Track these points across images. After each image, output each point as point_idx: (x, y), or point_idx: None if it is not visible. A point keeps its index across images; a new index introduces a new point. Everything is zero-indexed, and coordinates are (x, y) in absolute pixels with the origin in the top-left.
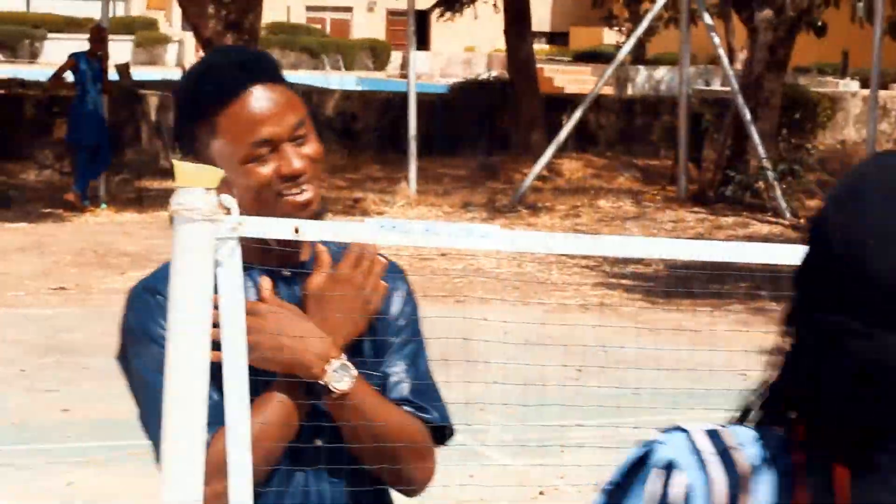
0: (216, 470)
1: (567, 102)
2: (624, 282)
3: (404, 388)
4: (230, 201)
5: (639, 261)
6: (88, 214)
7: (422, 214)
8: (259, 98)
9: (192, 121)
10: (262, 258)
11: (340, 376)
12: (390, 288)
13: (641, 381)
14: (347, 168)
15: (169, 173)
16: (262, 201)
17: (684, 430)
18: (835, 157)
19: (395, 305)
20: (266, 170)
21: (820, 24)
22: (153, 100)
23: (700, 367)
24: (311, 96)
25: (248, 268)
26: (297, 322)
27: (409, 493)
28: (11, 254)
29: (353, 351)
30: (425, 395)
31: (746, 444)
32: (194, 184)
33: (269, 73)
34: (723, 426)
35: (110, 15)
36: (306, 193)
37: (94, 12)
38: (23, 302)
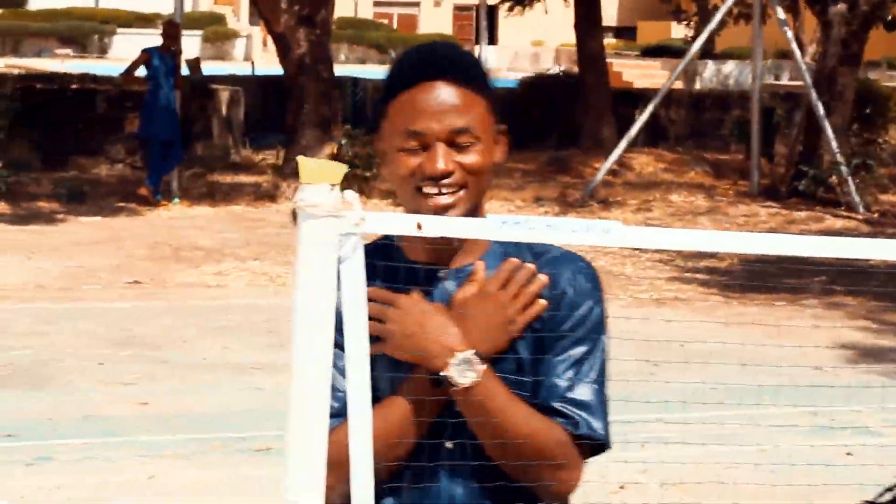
0: (330, 463)
1: (636, 97)
2: (698, 276)
3: (552, 394)
4: (353, 197)
5: (713, 255)
6: (161, 209)
7: (493, 209)
8: (429, 92)
9: (382, 102)
10: (424, 256)
11: (463, 371)
12: (572, 294)
13: (719, 377)
14: None
15: (239, 167)
16: (404, 192)
17: None
18: None
19: (570, 311)
20: (411, 162)
21: (890, 18)
22: (224, 94)
23: (776, 363)
24: (381, 91)
25: (405, 264)
26: (433, 317)
27: (546, 499)
28: (86, 248)
29: (501, 362)
30: (580, 404)
31: None
32: (318, 180)
33: (459, 73)
34: None
35: (180, 10)
36: (446, 198)
37: (161, 7)
38: (98, 296)
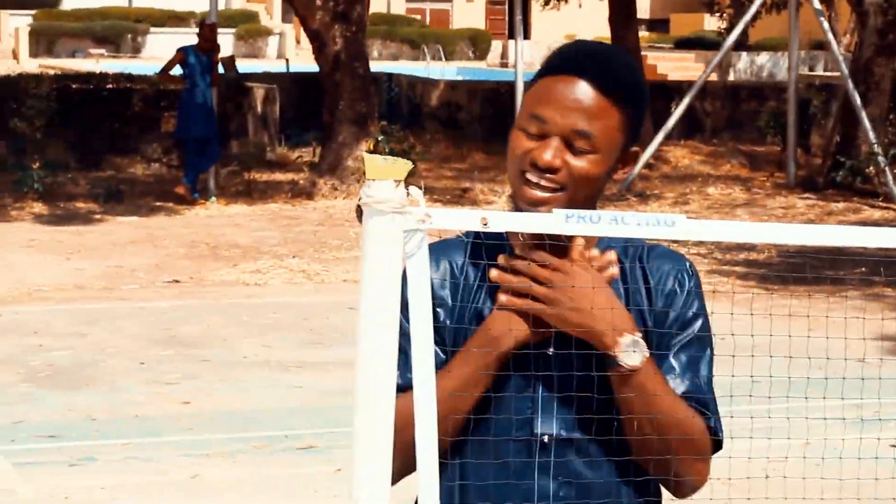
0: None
1: (671, 89)
2: (737, 269)
3: (681, 387)
4: (418, 193)
5: (751, 247)
6: (198, 207)
7: None
8: (567, 85)
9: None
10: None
11: (631, 352)
12: (684, 292)
13: (763, 369)
14: (454, 158)
15: (275, 165)
16: (512, 170)
17: None
18: None
19: (683, 309)
20: (525, 144)
21: None
22: (259, 92)
23: (817, 355)
24: (415, 87)
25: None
26: (602, 292)
27: (678, 494)
28: (124, 247)
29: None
30: (703, 401)
31: None
32: (384, 176)
33: (606, 78)
34: None
35: (213, 8)
36: (543, 193)
37: (195, 6)
38: (138, 295)
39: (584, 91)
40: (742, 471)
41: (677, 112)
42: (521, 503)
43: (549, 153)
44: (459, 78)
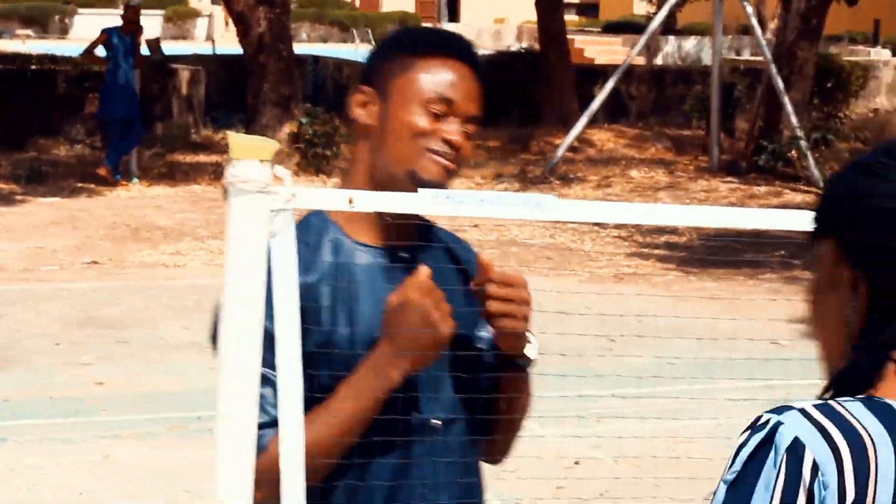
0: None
1: (598, 73)
2: (657, 252)
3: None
4: (284, 173)
5: (672, 230)
6: (120, 189)
7: (453, 186)
8: (461, 70)
9: (398, 52)
10: (379, 236)
11: (532, 346)
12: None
13: (676, 351)
14: None
15: (199, 147)
16: (407, 148)
17: (798, 408)
18: (867, 126)
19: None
20: (434, 123)
21: None
22: (184, 74)
23: (734, 337)
24: (342, 69)
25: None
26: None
27: (499, 462)
28: (45, 228)
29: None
30: None
31: (860, 415)
32: (249, 155)
33: (478, 68)
34: (826, 400)
35: None
36: (451, 164)
37: None
38: (57, 276)
39: (473, 78)
40: (650, 450)
41: (601, 95)
42: (417, 486)
43: (458, 135)
44: None
